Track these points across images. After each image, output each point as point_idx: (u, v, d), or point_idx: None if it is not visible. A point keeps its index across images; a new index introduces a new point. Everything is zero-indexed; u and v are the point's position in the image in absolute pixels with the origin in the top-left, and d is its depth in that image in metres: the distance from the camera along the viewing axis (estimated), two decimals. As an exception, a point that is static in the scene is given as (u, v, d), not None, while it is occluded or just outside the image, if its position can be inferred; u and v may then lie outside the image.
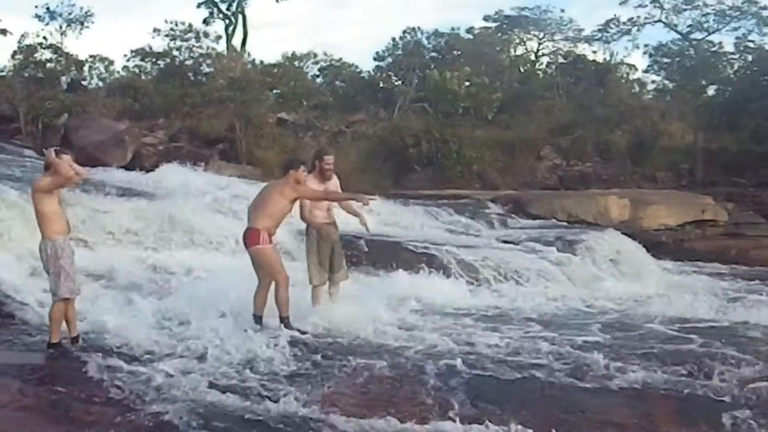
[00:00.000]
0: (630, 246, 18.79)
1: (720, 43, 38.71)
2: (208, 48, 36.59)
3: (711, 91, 38.04)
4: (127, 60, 37.27)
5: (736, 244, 23.84)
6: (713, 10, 37.68)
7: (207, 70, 36.23)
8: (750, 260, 22.15)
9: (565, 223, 22.40)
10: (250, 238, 9.50)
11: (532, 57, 46.00)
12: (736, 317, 11.55)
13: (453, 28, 44.11)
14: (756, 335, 10.16)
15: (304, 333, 9.31)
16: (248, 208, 9.91)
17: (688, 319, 11.35)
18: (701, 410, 7.06)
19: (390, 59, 41.13)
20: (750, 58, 37.17)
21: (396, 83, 38.84)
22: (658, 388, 7.64)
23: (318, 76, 40.49)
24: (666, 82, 41.53)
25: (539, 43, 45.99)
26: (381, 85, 39.07)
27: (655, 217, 24.52)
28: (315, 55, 40.02)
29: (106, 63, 38.27)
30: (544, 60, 46.27)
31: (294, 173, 9.67)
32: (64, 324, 8.42)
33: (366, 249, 14.79)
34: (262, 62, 37.82)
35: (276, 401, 6.93)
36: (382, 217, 19.26)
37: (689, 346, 9.40)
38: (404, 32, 41.15)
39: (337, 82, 39.95)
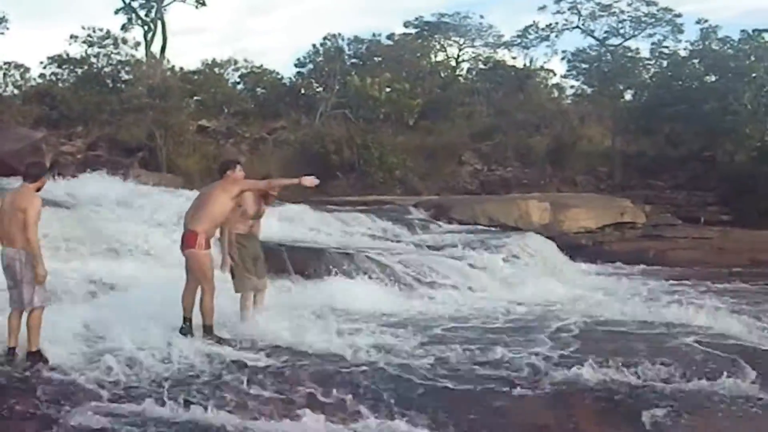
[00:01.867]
0: (550, 249, 19.00)
1: (636, 49, 39.43)
2: (126, 55, 35.98)
3: (628, 96, 38.78)
4: (44, 67, 36.34)
5: (654, 245, 24.27)
6: (629, 16, 38.32)
7: (126, 77, 35.61)
8: (668, 261, 22.57)
9: (487, 228, 22.53)
10: (187, 240, 9.30)
11: (453, 63, 46.19)
12: (655, 317, 11.69)
13: (374, 35, 44.10)
14: (675, 335, 10.30)
15: (227, 341, 9.15)
16: (186, 213, 9.66)
17: (608, 319, 11.48)
18: (622, 410, 7.14)
19: (311, 66, 40.89)
20: (665, 63, 37.98)
21: (317, 89, 38.68)
22: (581, 388, 7.68)
23: (239, 82, 40.05)
24: (584, 87, 42.12)
25: (460, 49, 46.21)
26: (302, 91, 38.88)
27: (575, 220, 24.85)
28: (235, 62, 39.56)
29: (22, 70, 37.21)
30: (465, 66, 46.54)
31: (231, 173, 9.52)
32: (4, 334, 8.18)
33: (289, 257, 14.60)
34: (181, 69, 37.27)
35: (194, 408, 6.86)
36: (304, 224, 19.12)
37: (610, 346, 9.48)
38: (325, 38, 40.97)
39: (258, 89, 39.56)
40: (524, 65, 42.88)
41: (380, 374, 7.98)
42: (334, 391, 7.41)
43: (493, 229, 22.21)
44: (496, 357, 8.78)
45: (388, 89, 34.66)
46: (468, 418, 6.88)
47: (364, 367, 8.22)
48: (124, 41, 36.23)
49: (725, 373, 8.31)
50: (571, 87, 44.00)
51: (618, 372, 8.23)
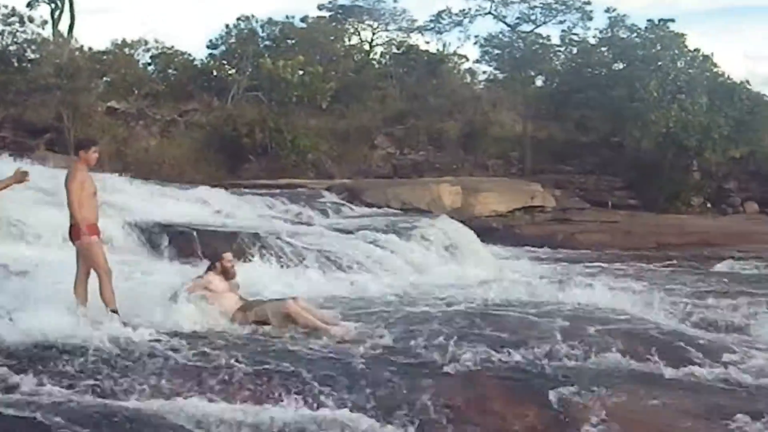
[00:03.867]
0: (462, 232, 19.15)
1: (548, 36, 39.94)
2: (33, 33, 34.86)
3: (539, 82, 39.31)
4: (-54, 46, 35.11)
5: (563, 228, 24.78)
6: (540, 3, 38.72)
7: (32, 56, 34.53)
8: (576, 244, 23.10)
9: (399, 211, 22.63)
10: (73, 233, 9.08)
11: (367, 47, 46.11)
12: (564, 299, 11.85)
13: (287, 17, 43.60)
14: (581, 315, 10.47)
15: (135, 326, 8.93)
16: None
17: (516, 301, 11.60)
18: (530, 389, 7.22)
19: (224, 47, 40.35)
20: (575, 50, 38.59)
21: (230, 72, 38.17)
22: (491, 369, 7.73)
23: (150, 64, 39.24)
24: (497, 72, 42.53)
25: (373, 33, 46.11)
26: (214, 73, 38.29)
27: (486, 204, 25.17)
28: (146, 43, 38.68)
29: None
30: (379, 50, 46.49)
31: (83, 154, 9.23)
32: None
33: (199, 239, 14.42)
34: (90, 49, 36.31)
35: (107, 394, 6.77)
36: (214, 207, 18.91)
37: (519, 327, 9.59)
38: (238, 20, 40.43)
39: (169, 70, 38.81)
40: (437, 50, 43.04)
41: (297, 357, 7.91)
42: (248, 374, 7.32)
43: (405, 212, 22.31)
44: (406, 339, 8.79)
45: (301, 72, 34.40)
46: (381, 398, 6.88)
47: (276, 348, 8.15)
48: (31, 19, 35.10)
49: (630, 351, 8.51)
50: (484, 72, 44.40)
51: (527, 352, 8.32)
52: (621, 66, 35.31)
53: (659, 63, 33.56)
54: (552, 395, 7.04)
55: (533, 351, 8.43)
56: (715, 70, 35.77)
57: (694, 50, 35.42)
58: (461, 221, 20.63)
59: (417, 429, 6.31)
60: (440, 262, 16.31)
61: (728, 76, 35.84)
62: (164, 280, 11.01)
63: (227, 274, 9.85)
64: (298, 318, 9.03)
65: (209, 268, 9.87)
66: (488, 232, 22.54)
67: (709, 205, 33.02)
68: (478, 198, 25.15)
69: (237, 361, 7.62)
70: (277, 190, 22.93)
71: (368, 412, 6.56)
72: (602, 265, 18.93)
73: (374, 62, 44.67)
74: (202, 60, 39.81)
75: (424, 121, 34.44)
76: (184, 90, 36.36)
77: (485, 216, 24.63)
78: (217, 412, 6.39)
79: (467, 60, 44.69)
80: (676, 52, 34.83)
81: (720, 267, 19.84)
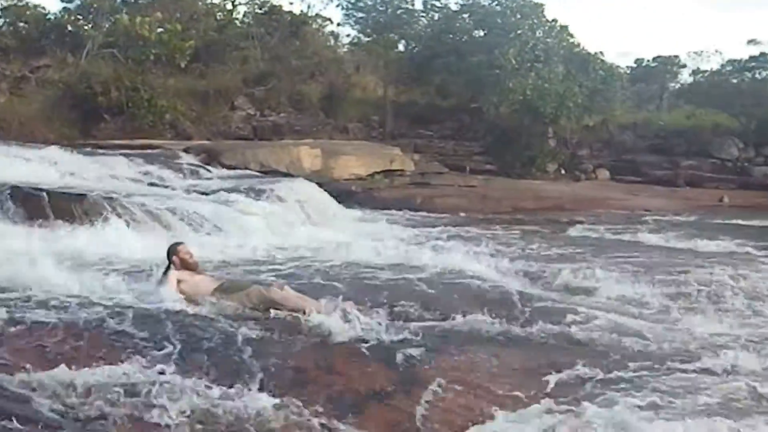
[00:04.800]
0: (320, 195, 19.15)
1: (411, 1, 39.95)
2: None
3: (402, 46, 39.41)
4: None
5: (422, 192, 25.08)
6: (404, -32, 38.80)
7: None
8: (435, 207, 23.43)
9: (259, 173, 22.40)
10: None
11: (229, 6, 45.21)
12: (419, 261, 11.99)
13: (147, -29, 42.45)
14: (435, 278, 10.62)
15: None
16: None
17: (369, 263, 11.68)
18: (379, 351, 7.25)
19: (79, 1, 38.88)
20: (436, 16, 38.85)
21: (85, 27, 36.75)
22: (338, 332, 7.69)
23: (-1, 16, 37.54)
24: (360, 36, 42.44)
25: (237, -8, 45.29)
26: (69, 28, 36.76)
27: (346, 167, 25.20)
28: (-6, -6, 36.99)
29: None
30: (242, 9, 45.69)
31: None
32: None
33: (50, 202, 13.86)
34: (-67, -1, 34.50)
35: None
36: (64, 167, 18.24)
37: (373, 289, 9.67)
38: (94, -27, 39.02)
39: (20, 23, 37.06)
40: (301, 12, 42.63)
41: (141, 323, 7.68)
42: (92, 341, 7.06)
43: (263, 175, 22.11)
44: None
45: (160, 30, 33.47)
46: (228, 363, 6.78)
47: (123, 316, 7.86)
48: None
49: (480, 313, 8.69)
50: (348, 35, 44.22)
51: (378, 314, 8.37)
52: (481, 33, 35.79)
53: (518, 32, 34.17)
54: (399, 356, 7.11)
55: (385, 313, 8.50)
56: (571, 40, 36.75)
57: (552, 20, 36.29)
58: (320, 184, 20.62)
59: (260, 390, 6.23)
60: (297, 225, 16.24)
61: (583, 47, 36.92)
62: (13, 244, 10.64)
63: (189, 266, 9.04)
64: (286, 303, 8.39)
65: (167, 269, 8.97)
66: (348, 195, 22.63)
67: (563, 171, 34.02)
68: (338, 161, 25.14)
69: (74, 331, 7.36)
70: (133, 151, 22.23)
71: (208, 374, 6.44)
72: (458, 228, 19.25)
73: (237, 22, 43.90)
74: (55, 14, 38.25)
75: (286, 83, 34.12)
76: (36, 45, 34.81)
77: (345, 179, 24.66)
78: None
79: (331, 22, 44.45)
80: (535, 21, 35.52)
81: (572, 231, 20.49)
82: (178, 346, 6.95)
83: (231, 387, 6.16)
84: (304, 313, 8.12)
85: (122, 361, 6.50)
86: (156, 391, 5.94)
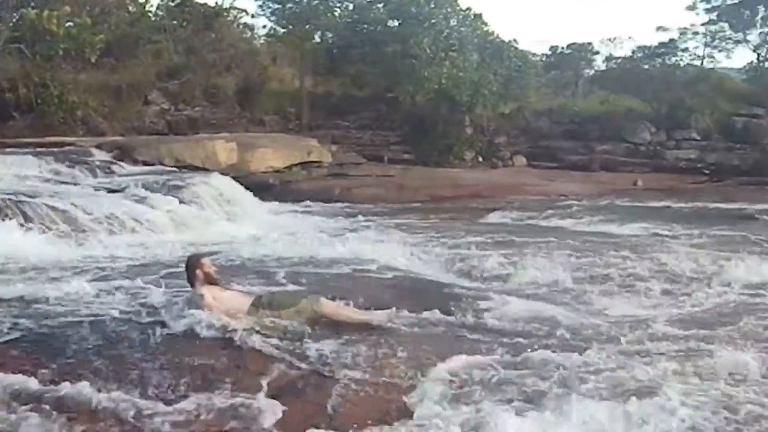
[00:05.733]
0: (236, 189, 18.98)
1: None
2: None
3: (317, 37, 39.24)
4: None
5: (340, 183, 25.05)
6: (317, -41, 38.60)
7: None
8: (353, 198, 23.44)
9: (173, 169, 22.10)
10: None
11: (141, -2, 44.50)
12: (333, 253, 11.95)
13: (54, -35, 41.41)
14: (350, 269, 10.59)
15: None
16: None
17: (286, 257, 11.59)
18: (288, 346, 7.15)
19: (-18, -4, 37.85)
20: (351, 6, 38.76)
21: (-10, 22, 35.82)
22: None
23: None
24: (276, 27, 42.12)
25: (148, -16, 44.50)
26: (-27, 24, 35.88)
27: (263, 160, 25.02)
28: None
29: None
30: (155, 2, 44.96)
31: None
32: None
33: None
34: None
35: None
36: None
37: (287, 282, 9.59)
38: (-3, -33, 37.95)
39: None
40: (215, 3, 42.12)
41: (36, 326, 7.48)
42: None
43: (178, 170, 21.81)
44: (159, 301, 8.41)
45: (69, 24, 32.68)
46: (136, 363, 6.64)
47: (28, 319, 7.67)
48: None
49: (394, 302, 8.63)
50: (264, 27, 43.90)
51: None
52: (396, 23, 35.81)
53: (433, 21, 34.31)
54: (312, 350, 7.04)
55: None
56: (485, 29, 37.07)
57: (466, 9, 36.56)
58: (237, 178, 20.43)
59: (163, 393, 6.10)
60: (211, 221, 16.05)
61: (497, 35, 37.26)
62: None
63: (213, 281, 7.97)
64: (338, 316, 7.89)
65: (192, 285, 7.93)
66: (265, 188, 22.51)
67: (480, 159, 34.28)
68: (255, 154, 24.93)
69: None
70: (43, 149, 21.68)
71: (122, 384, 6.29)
72: (375, 218, 19.26)
73: (150, 15, 43.17)
74: (-42, 9, 37.19)
75: (201, 76, 33.64)
76: (-62, 42, 33.85)
77: (262, 172, 24.49)
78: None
79: (246, 14, 44.03)
80: (449, 10, 35.79)
81: (489, 218, 20.67)
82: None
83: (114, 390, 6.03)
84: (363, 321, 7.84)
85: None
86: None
